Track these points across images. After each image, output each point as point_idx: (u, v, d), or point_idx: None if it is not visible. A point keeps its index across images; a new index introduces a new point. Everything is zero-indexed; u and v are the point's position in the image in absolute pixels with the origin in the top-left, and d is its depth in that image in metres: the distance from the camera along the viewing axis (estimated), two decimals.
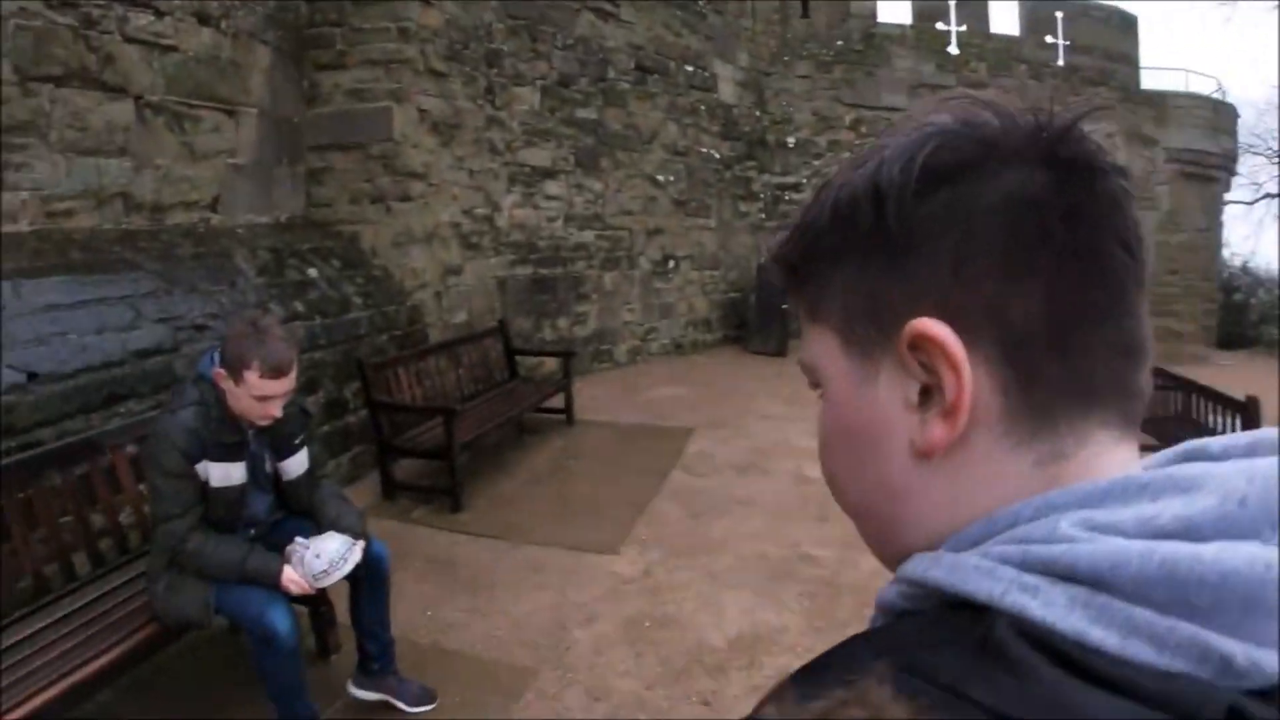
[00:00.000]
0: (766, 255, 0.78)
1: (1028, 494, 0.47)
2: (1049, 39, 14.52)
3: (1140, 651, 0.37)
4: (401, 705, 3.36)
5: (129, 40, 4.70)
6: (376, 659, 3.28)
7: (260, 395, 2.68)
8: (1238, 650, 0.36)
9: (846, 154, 11.00)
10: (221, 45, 5.35)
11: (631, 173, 9.63)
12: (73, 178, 4.43)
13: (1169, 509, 0.41)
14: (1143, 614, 0.38)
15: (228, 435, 2.79)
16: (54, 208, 4.31)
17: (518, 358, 7.17)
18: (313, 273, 5.53)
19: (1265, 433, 0.47)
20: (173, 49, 4.99)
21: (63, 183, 4.38)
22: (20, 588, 2.99)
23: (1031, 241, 0.47)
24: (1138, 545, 0.39)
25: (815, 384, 0.59)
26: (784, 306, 10.31)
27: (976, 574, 0.43)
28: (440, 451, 5.16)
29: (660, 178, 10.06)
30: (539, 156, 8.37)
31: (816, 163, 12.35)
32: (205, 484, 2.78)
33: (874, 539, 0.58)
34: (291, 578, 2.78)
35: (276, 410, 2.75)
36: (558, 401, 6.86)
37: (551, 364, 8.27)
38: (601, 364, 9.40)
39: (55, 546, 3.08)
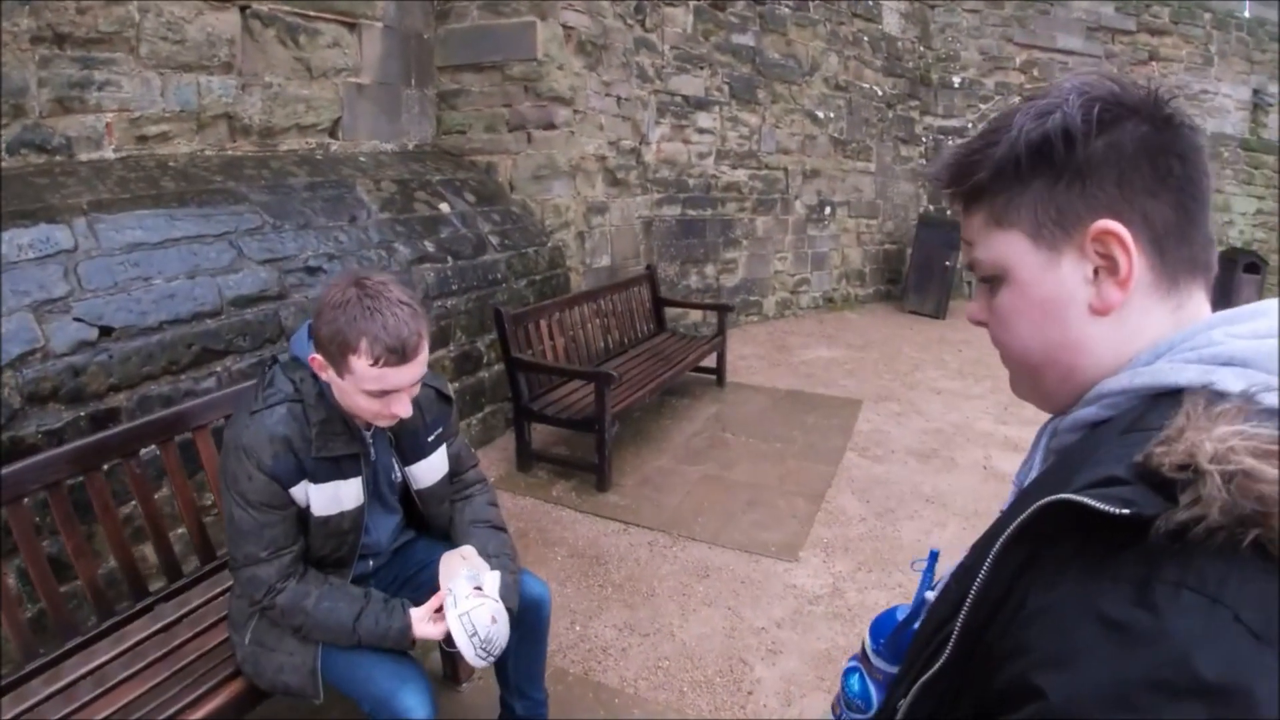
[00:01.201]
0: (941, 172, 0.84)
1: (1169, 331, 0.73)
2: None
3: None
4: None
5: None
6: None
7: (377, 389, 1.79)
8: None
9: (1016, 99, 9.57)
10: None
11: (790, 107, 8.46)
12: (168, 97, 3.71)
13: (1266, 323, 0.69)
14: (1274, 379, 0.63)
15: (337, 444, 1.93)
16: (145, 131, 3.58)
17: (665, 309, 6.25)
18: (445, 208, 4.70)
19: None
20: None
21: (156, 103, 3.66)
22: (72, 607, 2.29)
23: (1163, 173, 0.73)
24: (1265, 342, 0.66)
25: (992, 276, 0.81)
26: (947, 264, 9.02)
27: (1172, 371, 0.68)
28: (589, 422, 4.30)
29: (820, 114, 8.84)
30: (691, 85, 7.32)
31: (983, 106, 10.81)
32: (305, 512, 1.94)
33: (1053, 386, 0.80)
34: (428, 623, 1.95)
35: (404, 408, 1.86)
36: (707, 360, 5.91)
37: (697, 315, 7.33)
38: (749, 317, 8.38)
39: (123, 552, 2.34)
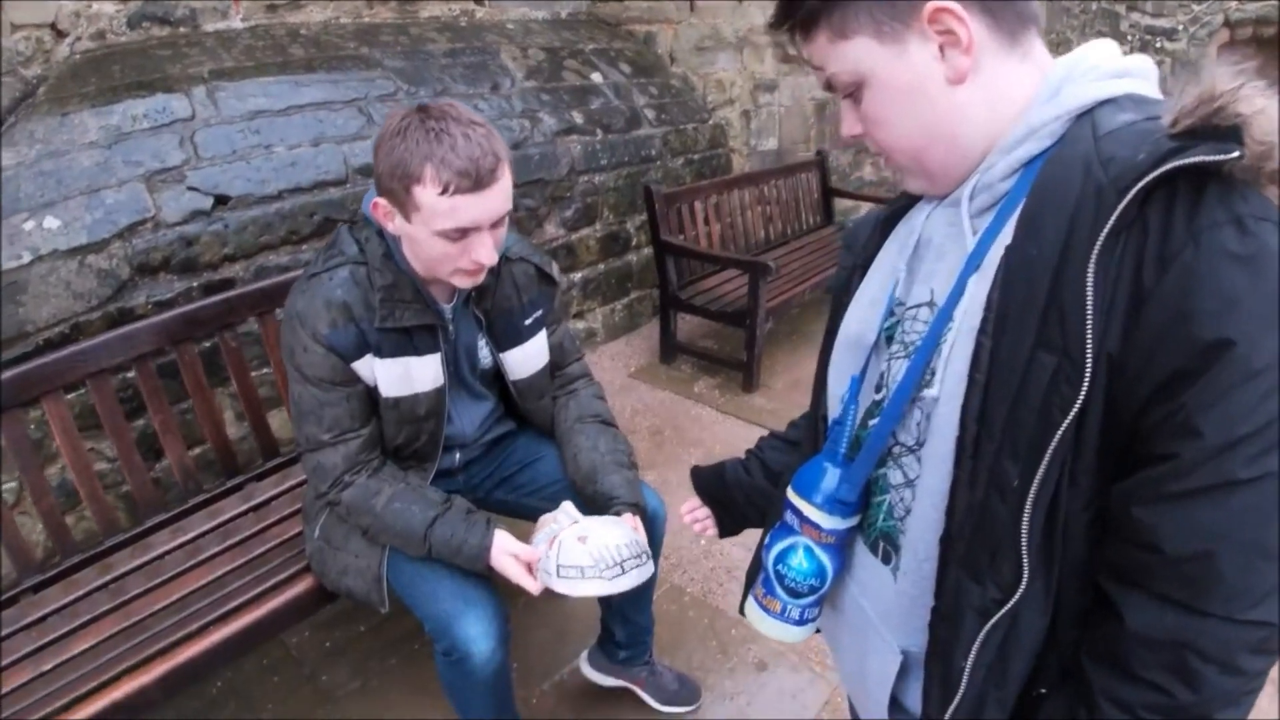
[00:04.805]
0: (775, 15, 0.85)
1: (1027, 78, 0.78)
2: None
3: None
4: (651, 700, 2.17)
5: None
6: (624, 647, 2.08)
7: (452, 227, 1.38)
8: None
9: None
10: None
11: None
12: None
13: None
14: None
15: (406, 314, 1.55)
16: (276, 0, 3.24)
17: (835, 200, 5.53)
18: (596, 78, 4.18)
19: None
20: None
21: None
22: (164, 483, 2.10)
23: None
24: (1133, 58, 0.81)
25: (852, 86, 0.82)
26: None
27: (1094, 87, 0.75)
28: (740, 316, 3.79)
29: None
30: None
31: (1197, 7, 8.92)
32: (373, 392, 1.60)
33: (941, 160, 0.82)
34: (512, 558, 1.56)
35: (488, 253, 1.43)
36: None
37: (867, 209, 6.53)
38: None
39: (216, 432, 2.11)
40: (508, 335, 1.75)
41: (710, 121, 4.80)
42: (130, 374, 2.02)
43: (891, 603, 0.91)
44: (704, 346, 4.26)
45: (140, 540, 1.93)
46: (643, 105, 4.33)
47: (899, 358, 0.87)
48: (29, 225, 2.19)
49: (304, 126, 2.85)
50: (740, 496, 1.31)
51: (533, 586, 1.52)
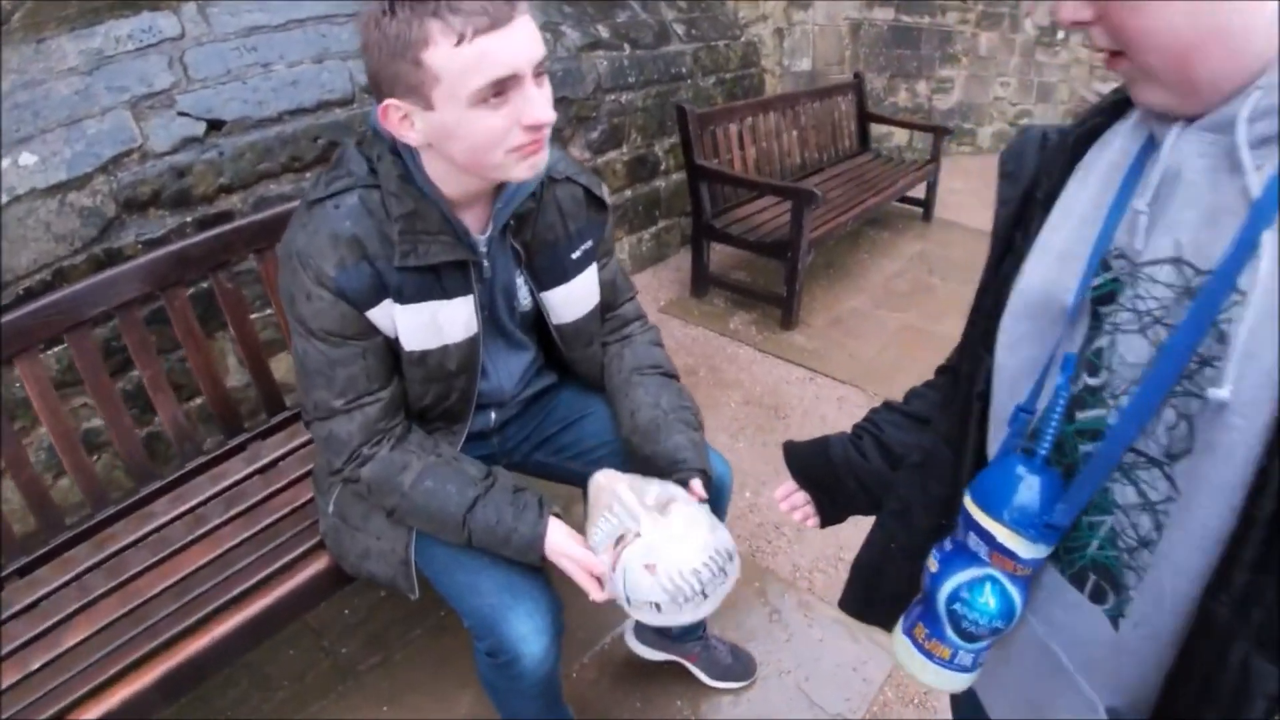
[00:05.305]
0: None
1: None
2: None
3: None
4: (703, 676, 1.99)
5: None
6: None
7: (486, 83, 1.06)
8: None
9: None
10: None
11: None
12: None
13: None
14: None
15: (434, 248, 1.25)
16: None
17: (871, 126, 5.17)
18: None
19: None
20: None
21: None
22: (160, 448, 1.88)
23: None
24: None
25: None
26: None
27: None
28: (781, 247, 3.50)
29: None
30: None
31: None
32: (394, 345, 1.32)
33: (1211, 74, 0.58)
34: (572, 562, 1.31)
35: (542, 108, 1.12)
36: (914, 190, 4.84)
37: (901, 137, 6.14)
38: (960, 147, 7.00)
39: (213, 384, 1.88)
40: (551, 271, 1.44)
41: (742, 39, 4.44)
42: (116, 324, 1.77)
43: (1103, 654, 0.69)
44: (737, 279, 3.99)
45: (138, 510, 1.71)
46: (672, 19, 3.97)
47: (1129, 331, 0.64)
48: (4, 164, 1.93)
49: (305, 42, 2.54)
50: (850, 482, 1.09)
51: (599, 595, 1.28)
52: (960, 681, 0.78)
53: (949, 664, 0.76)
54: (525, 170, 1.17)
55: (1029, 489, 0.67)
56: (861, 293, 4.02)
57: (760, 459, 2.77)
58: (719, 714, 1.93)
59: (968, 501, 0.73)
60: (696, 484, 1.39)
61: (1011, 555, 0.69)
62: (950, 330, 3.70)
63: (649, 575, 1.17)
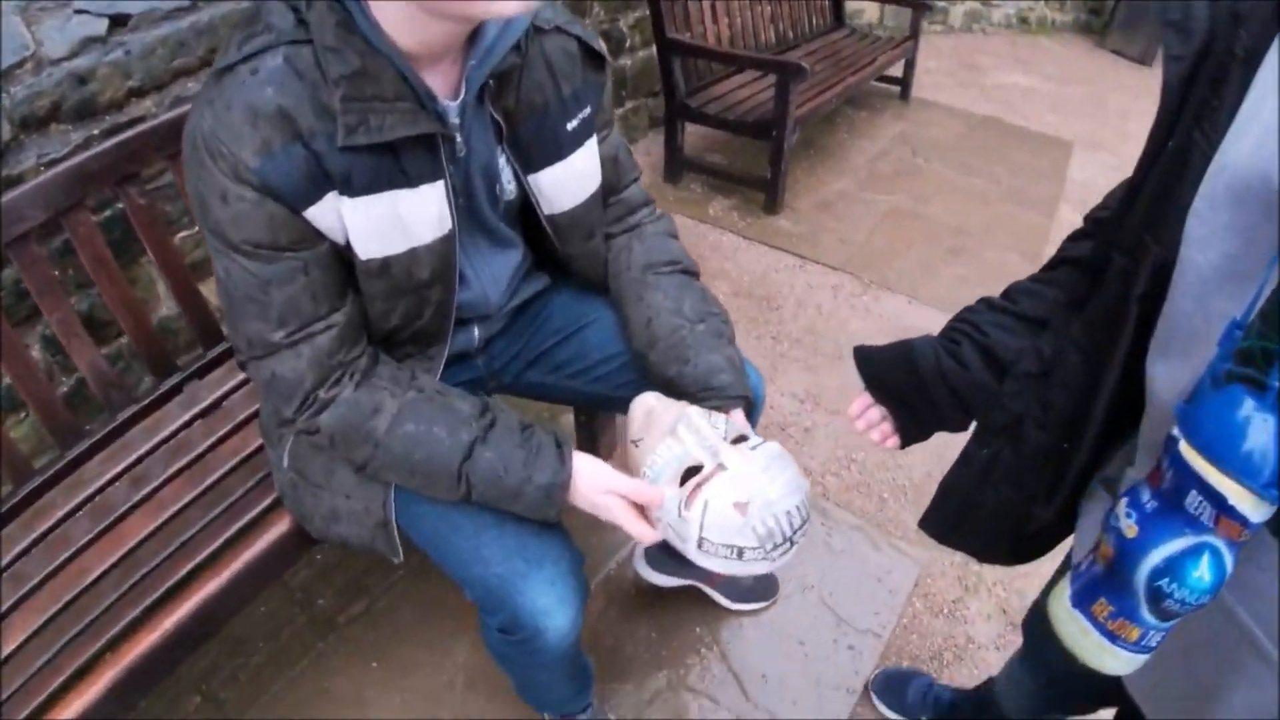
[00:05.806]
0: None
1: None
2: None
3: None
4: (722, 599, 1.82)
5: None
6: None
7: None
8: None
9: None
10: None
11: None
12: None
13: None
14: None
15: (390, 120, 0.90)
16: None
17: (846, 2, 4.77)
18: None
19: None
20: None
21: None
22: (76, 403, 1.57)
23: None
24: None
25: None
26: None
27: None
28: (764, 126, 3.19)
29: None
30: None
31: None
32: (344, 252, 0.99)
33: None
34: (619, 499, 1.04)
35: None
36: (892, 69, 4.50)
37: (872, 13, 5.73)
38: (931, 25, 6.59)
39: (135, 318, 1.57)
40: (542, 147, 1.10)
41: None
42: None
43: None
44: (713, 162, 3.68)
45: (69, 476, 1.43)
46: None
47: None
48: None
49: None
50: (941, 393, 0.90)
51: (650, 536, 1.03)
52: (1137, 663, 0.63)
53: (1135, 646, 0.61)
54: (515, 5, 0.82)
55: (1263, 433, 0.50)
56: (845, 175, 3.75)
57: (757, 353, 2.56)
58: (743, 637, 1.77)
59: (1185, 449, 0.54)
60: (738, 414, 1.15)
61: (1242, 520, 0.52)
62: (940, 215, 3.50)
63: (739, 515, 0.94)
